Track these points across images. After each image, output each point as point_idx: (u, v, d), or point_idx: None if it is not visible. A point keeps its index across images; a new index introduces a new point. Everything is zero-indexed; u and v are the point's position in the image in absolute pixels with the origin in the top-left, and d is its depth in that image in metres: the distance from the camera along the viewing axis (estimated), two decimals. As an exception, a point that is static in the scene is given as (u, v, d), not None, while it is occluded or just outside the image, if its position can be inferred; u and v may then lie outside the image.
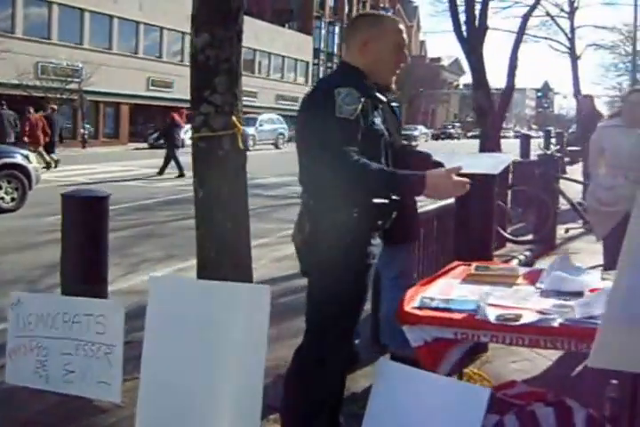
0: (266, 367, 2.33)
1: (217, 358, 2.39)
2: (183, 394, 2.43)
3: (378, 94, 2.64)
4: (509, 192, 8.45)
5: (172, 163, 17.00)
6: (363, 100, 2.47)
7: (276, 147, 34.00)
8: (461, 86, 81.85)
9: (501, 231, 7.30)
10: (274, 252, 7.35)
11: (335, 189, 2.46)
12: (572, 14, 33.05)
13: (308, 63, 53.70)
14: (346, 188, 2.45)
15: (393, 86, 2.79)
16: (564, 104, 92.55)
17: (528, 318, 2.47)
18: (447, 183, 2.40)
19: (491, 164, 3.68)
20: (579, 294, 2.70)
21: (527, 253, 6.96)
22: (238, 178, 3.17)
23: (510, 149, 13.40)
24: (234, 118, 3.09)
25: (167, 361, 2.48)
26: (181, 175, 16.42)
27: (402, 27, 2.72)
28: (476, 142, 14.65)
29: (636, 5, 27.89)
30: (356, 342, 3.72)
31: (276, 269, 6.41)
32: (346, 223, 2.49)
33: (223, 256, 3.12)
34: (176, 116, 18.61)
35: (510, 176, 8.58)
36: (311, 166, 2.57)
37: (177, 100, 32.08)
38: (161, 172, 17.39)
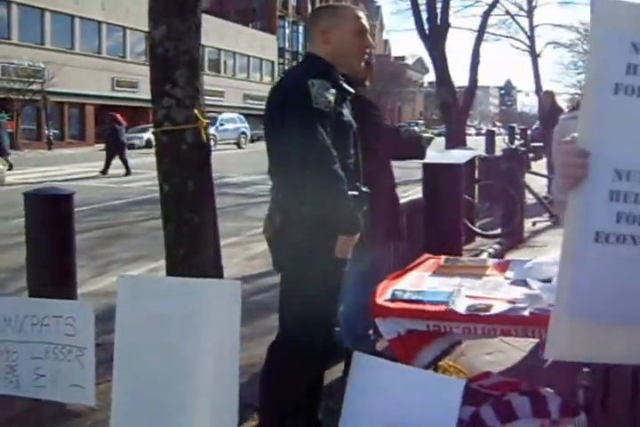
0: (241, 366, 2.32)
1: (190, 357, 2.37)
2: (157, 394, 2.41)
3: (346, 85, 2.65)
4: (476, 187, 8.53)
5: (118, 162, 17.46)
6: (333, 91, 2.49)
7: (239, 146, 33.46)
8: (426, 84, 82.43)
9: (470, 226, 7.37)
10: (246, 250, 7.34)
11: (307, 180, 2.46)
12: (530, 13, 33.48)
13: (273, 63, 53.64)
14: (314, 179, 2.45)
15: (367, 83, 2.82)
16: (527, 102, 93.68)
17: (499, 307, 2.51)
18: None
19: (456, 156, 3.73)
20: (547, 282, 2.74)
21: (496, 246, 7.04)
22: (203, 172, 3.14)
23: (474, 146, 13.54)
24: (196, 111, 3.06)
25: (139, 362, 2.45)
26: (128, 173, 17.27)
27: (360, 13, 2.73)
28: (439, 140, 14.77)
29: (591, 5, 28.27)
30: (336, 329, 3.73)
31: (248, 268, 6.40)
32: (314, 216, 2.48)
33: (192, 252, 3.09)
34: (118, 117, 18.74)
35: (477, 171, 8.68)
36: (283, 158, 2.56)
37: (143, 100, 31.76)
38: (104, 171, 17.85)
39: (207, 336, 2.34)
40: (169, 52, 3.04)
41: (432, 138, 3.45)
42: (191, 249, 3.09)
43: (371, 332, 3.71)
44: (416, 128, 62.14)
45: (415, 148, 3.56)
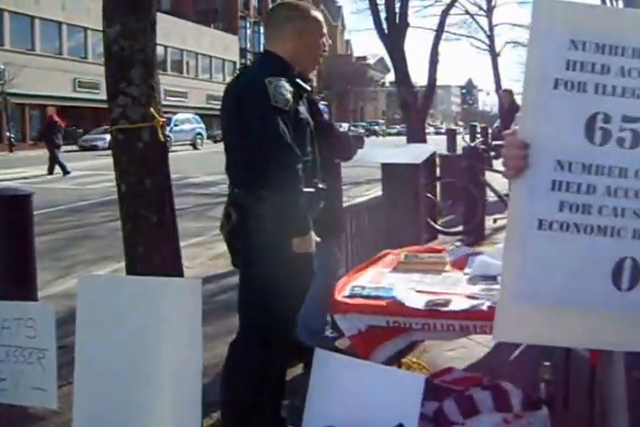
0: (205, 365, 2.32)
1: (152, 356, 2.36)
2: (119, 395, 2.40)
3: (302, 83, 2.67)
4: (438, 185, 8.61)
5: (78, 164, 17.73)
6: (291, 89, 2.52)
7: (195, 147, 32.86)
8: (388, 84, 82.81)
9: (432, 223, 7.44)
10: (209, 250, 7.33)
11: (266, 178, 2.47)
12: (490, 12, 33.82)
13: (235, 63, 53.40)
14: (275, 178, 2.46)
15: (311, 76, 2.84)
16: (488, 101, 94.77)
17: (457, 303, 2.54)
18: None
19: (413, 154, 3.77)
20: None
21: (458, 243, 7.08)
22: (160, 170, 3.13)
23: (434, 145, 13.65)
24: (152, 110, 3.05)
25: (101, 362, 2.44)
26: (66, 173, 17.52)
27: (321, 15, 2.81)
28: (399, 139, 14.89)
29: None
30: (329, 331, 3.73)
31: (211, 267, 6.41)
32: (271, 212, 2.48)
33: (152, 252, 3.08)
34: (55, 117, 18.59)
35: (438, 169, 8.77)
36: (240, 155, 2.57)
37: (105, 101, 31.19)
38: (50, 172, 17.98)
39: (169, 335, 2.34)
40: (124, 50, 3.03)
41: (361, 138, 3.49)
42: (150, 248, 3.07)
43: (328, 329, 3.72)
44: (376, 127, 61.88)
45: (343, 146, 3.58)
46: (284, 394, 2.84)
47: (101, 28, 3.10)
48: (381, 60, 76.30)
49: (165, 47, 40.58)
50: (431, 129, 56.37)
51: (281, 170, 2.44)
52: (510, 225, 1.68)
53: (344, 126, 40.19)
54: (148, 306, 2.38)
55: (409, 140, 13.44)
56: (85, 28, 36.63)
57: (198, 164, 19.36)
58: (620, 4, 27.78)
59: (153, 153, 3.09)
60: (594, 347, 2.00)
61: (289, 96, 2.49)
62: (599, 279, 1.64)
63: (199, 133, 34.34)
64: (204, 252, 7.28)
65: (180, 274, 3.18)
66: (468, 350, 4.01)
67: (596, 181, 1.61)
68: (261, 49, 2.95)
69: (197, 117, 35.25)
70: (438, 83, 15.84)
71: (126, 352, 2.40)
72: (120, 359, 2.41)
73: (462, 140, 10.39)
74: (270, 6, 2.94)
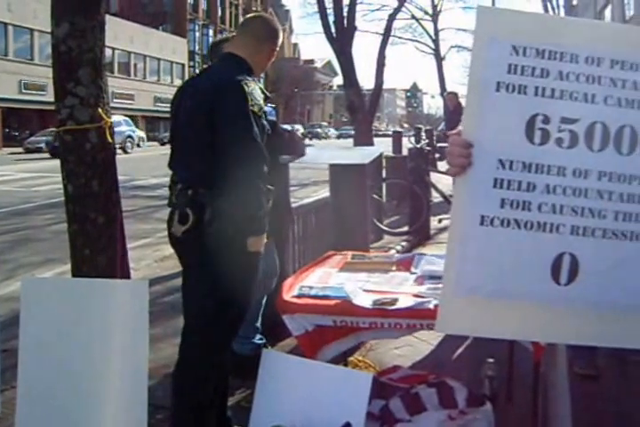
0: (153, 367, 2.30)
1: (97, 358, 2.33)
2: (64, 398, 2.36)
3: (262, 87, 2.72)
4: (384, 186, 8.69)
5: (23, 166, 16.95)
6: (262, 96, 2.59)
7: (125, 151, 31.33)
8: (335, 87, 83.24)
9: (378, 224, 7.50)
10: (156, 252, 7.26)
11: (228, 179, 2.48)
12: (435, 17, 34.34)
13: (184, 65, 53.02)
14: (242, 177, 2.48)
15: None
16: (433, 104, 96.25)
17: (404, 302, 2.57)
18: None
19: (360, 155, 3.81)
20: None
21: (403, 243, 7.19)
22: (107, 172, 3.10)
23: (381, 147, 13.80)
24: (100, 111, 3.03)
25: (46, 366, 2.39)
26: None
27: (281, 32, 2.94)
28: (343, 142, 14.96)
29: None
30: (257, 337, 3.72)
31: (158, 269, 6.36)
32: (233, 212, 2.49)
33: (98, 253, 3.05)
34: None
35: (384, 171, 8.84)
36: (205, 154, 2.55)
37: (51, 103, 30.49)
38: None
39: (115, 337, 2.32)
40: (72, 50, 2.99)
41: (301, 137, 3.58)
42: (96, 249, 3.04)
43: (257, 335, 3.71)
44: (319, 130, 61.78)
45: (294, 143, 3.62)
46: (227, 393, 2.84)
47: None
48: (329, 63, 76.81)
49: (113, 49, 40.02)
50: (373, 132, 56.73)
51: (249, 171, 2.46)
52: (453, 221, 1.73)
53: (298, 128, 40.25)
54: (93, 308, 2.35)
55: (356, 143, 13.54)
56: (32, 30, 35.88)
57: (145, 166, 19.08)
58: (562, 13, 28.62)
59: (101, 154, 3.07)
60: (533, 339, 2.09)
61: (261, 102, 2.57)
62: (539, 274, 1.69)
63: (130, 136, 33.14)
64: (151, 254, 7.22)
65: (126, 275, 3.15)
66: (414, 347, 4.06)
67: (536, 179, 1.66)
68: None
69: (128, 120, 34.24)
70: (384, 86, 16.04)
71: (71, 355, 2.36)
72: (65, 363, 2.37)
73: (408, 142, 10.50)
74: (219, 10, 3.01)
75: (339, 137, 58.08)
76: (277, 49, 2.87)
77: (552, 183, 1.67)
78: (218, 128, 2.51)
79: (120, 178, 3.30)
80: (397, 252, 6.42)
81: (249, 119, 2.49)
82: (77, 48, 3.00)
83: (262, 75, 2.99)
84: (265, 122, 2.63)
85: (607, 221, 1.69)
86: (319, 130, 61.66)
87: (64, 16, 3.00)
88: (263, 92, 2.68)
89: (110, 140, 3.08)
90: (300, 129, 28.92)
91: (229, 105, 2.51)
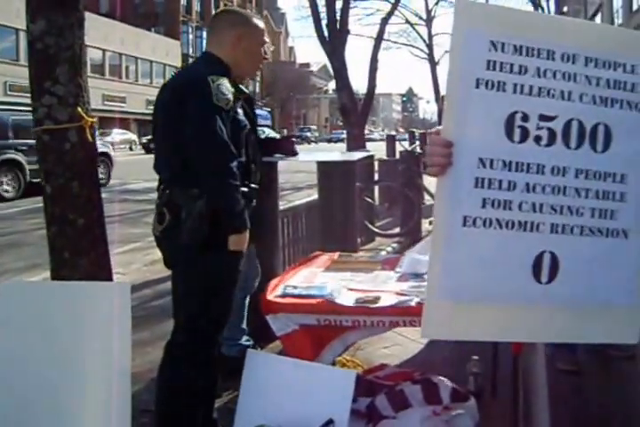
0: (139, 371, 2.27)
1: (78, 363, 2.29)
2: (43, 404, 2.31)
3: (241, 86, 2.71)
4: (376, 188, 8.70)
5: None
6: (232, 90, 2.54)
7: None
8: (331, 91, 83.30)
9: (369, 226, 7.51)
10: (145, 256, 7.22)
11: (199, 177, 2.48)
12: (429, 22, 34.37)
13: (176, 68, 52.89)
14: (212, 176, 2.47)
15: (251, 82, 2.88)
16: (428, 109, 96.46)
17: (387, 299, 2.57)
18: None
19: (348, 155, 3.82)
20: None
21: (394, 245, 7.19)
22: (88, 172, 3.04)
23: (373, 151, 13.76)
24: (79, 110, 2.98)
25: (23, 371, 2.35)
26: None
27: (263, 25, 2.86)
28: (333, 146, 14.96)
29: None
30: (244, 338, 3.71)
31: (148, 273, 6.32)
32: (206, 211, 2.48)
33: (78, 256, 2.99)
34: None
35: (376, 173, 8.85)
36: (177, 154, 2.54)
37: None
38: None
39: (96, 341, 2.28)
40: (50, 48, 2.91)
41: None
42: (76, 252, 2.98)
43: (244, 337, 3.71)
44: (308, 134, 61.42)
45: (284, 143, 3.62)
46: (215, 394, 2.83)
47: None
48: (324, 67, 76.77)
49: (103, 51, 39.91)
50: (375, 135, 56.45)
51: (217, 168, 2.45)
52: (436, 223, 1.71)
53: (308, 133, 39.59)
54: (74, 312, 2.30)
55: (349, 146, 13.56)
56: (17, 30, 35.73)
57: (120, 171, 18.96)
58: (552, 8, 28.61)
59: (80, 154, 2.99)
60: (516, 340, 2.06)
61: (230, 96, 2.52)
62: (520, 273, 1.69)
63: None
64: (140, 258, 7.18)
65: (108, 278, 3.10)
66: (402, 347, 4.05)
67: (516, 177, 1.66)
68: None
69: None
70: (380, 91, 16.10)
71: (52, 359, 2.33)
72: (46, 366, 2.34)
73: (400, 146, 10.51)
74: (212, 11, 2.96)
75: (329, 141, 57.70)
76: (256, 43, 2.77)
77: (532, 182, 1.67)
78: (182, 126, 2.50)
79: (111, 181, 3.27)
80: (388, 253, 6.43)
81: (210, 115, 2.46)
82: (55, 46, 2.92)
83: (258, 78, 2.92)
84: (242, 117, 2.63)
85: (584, 219, 1.70)
86: (308, 134, 61.04)
87: (40, 12, 2.91)
88: (238, 89, 2.65)
89: (91, 139, 3.02)
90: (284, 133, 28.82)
91: (191, 101, 2.50)
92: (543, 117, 1.65)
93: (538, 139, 1.65)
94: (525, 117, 1.64)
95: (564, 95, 1.66)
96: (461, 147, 1.63)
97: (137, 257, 7.18)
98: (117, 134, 35.88)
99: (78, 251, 2.98)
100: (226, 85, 2.52)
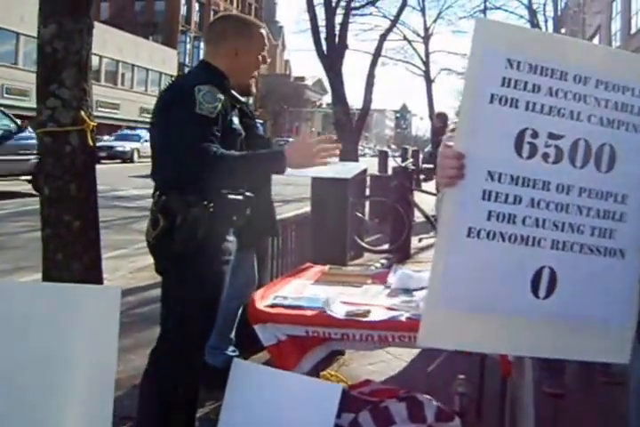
0: (122, 378, 2.25)
1: (63, 366, 2.27)
2: (27, 407, 2.27)
3: (236, 94, 2.71)
4: (367, 204, 8.70)
5: None
6: (222, 98, 2.54)
7: None
8: (324, 105, 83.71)
9: (359, 241, 7.51)
10: (132, 263, 7.21)
11: (191, 185, 2.49)
12: (426, 39, 34.61)
13: (172, 77, 52.75)
14: (207, 181, 2.47)
15: (253, 90, 2.88)
16: (421, 126, 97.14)
17: (377, 314, 2.56)
18: (307, 147, 2.54)
19: (343, 170, 3.81)
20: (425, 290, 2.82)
21: (383, 261, 7.18)
22: (87, 175, 3.08)
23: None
24: (82, 113, 3.01)
25: (7, 374, 2.33)
26: None
27: (264, 31, 2.85)
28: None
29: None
30: (230, 349, 3.68)
31: (133, 280, 6.29)
32: (201, 218, 2.49)
33: (71, 258, 3.00)
34: None
35: (368, 189, 8.86)
36: (167, 162, 2.57)
37: (33, 109, 30.49)
38: None
39: (82, 344, 2.25)
40: (58, 52, 2.99)
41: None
42: (70, 254, 3.00)
43: (230, 347, 3.67)
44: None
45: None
46: (197, 401, 2.80)
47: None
48: (319, 81, 77.31)
49: (100, 57, 39.95)
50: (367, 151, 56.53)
51: (200, 174, 2.46)
52: (441, 233, 1.74)
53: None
54: (62, 314, 2.29)
55: (341, 161, 13.57)
56: (18, 34, 35.80)
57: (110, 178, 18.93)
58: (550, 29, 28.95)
59: (80, 157, 3.04)
60: (513, 353, 2.09)
61: (217, 104, 2.51)
62: (519, 287, 1.72)
63: None
64: (126, 264, 7.16)
65: (99, 281, 3.11)
66: (387, 363, 4.04)
67: (522, 192, 1.69)
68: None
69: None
70: (374, 106, 16.18)
71: (36, 361, 2.30)
72: (29, 369, 2.31)
73: (393, 161, 10.54)
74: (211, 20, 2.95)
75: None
76: (254, 54, 2.77)
77: (537, 197, 1.70)
78: (167, 133, 2.53)
79: (100, 188, 3.28)
80: (376, 269, 6.43)
81: (191, 123, 2.47)
82: (63, 50, 3.00)
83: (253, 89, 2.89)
84: (237, 125, 2.65)
85: (585, 237, 1.73)
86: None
87: (52, 17, 2.99)
88: (233, 98, 2.66)
89: (91, 143, 3.05)
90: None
91: (173, 110, 2.52)
92: (552, 135, 1.69)
93: (545, 156, 1.69)
94: (535, 134, 1.68)
95: (574, 115, 1.70)
96: (472, 159, 1.66)
97: (122, 264, 7.16)
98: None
99: (72, 253, 2.99)
100: (213, 94, 2.52)
